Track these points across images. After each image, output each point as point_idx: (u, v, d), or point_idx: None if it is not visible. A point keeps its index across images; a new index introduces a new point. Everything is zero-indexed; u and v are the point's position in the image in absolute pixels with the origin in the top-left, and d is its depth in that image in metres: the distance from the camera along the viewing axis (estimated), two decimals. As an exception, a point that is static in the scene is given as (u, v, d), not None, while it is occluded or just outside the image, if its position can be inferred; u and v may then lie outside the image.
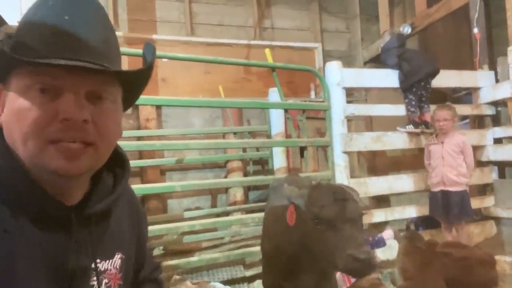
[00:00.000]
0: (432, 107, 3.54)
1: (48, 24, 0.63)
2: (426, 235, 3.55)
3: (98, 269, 0.72)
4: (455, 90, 4.81)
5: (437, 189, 3.24)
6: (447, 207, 3.17)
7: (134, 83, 0.76)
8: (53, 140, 0.63)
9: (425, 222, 3.79)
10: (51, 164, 0.63)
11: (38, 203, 0.64)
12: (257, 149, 4.96)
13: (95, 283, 0.72)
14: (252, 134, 5.05)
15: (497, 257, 2.88)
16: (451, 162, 3.16)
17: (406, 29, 4.00)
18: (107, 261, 0.75)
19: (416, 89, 3.47)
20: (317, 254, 1.38)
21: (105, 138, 0.68)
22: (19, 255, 0.61)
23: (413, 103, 3.49)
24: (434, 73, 3.51)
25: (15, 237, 0.61)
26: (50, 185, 0.67)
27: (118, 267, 0.77)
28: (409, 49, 3.76)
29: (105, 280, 0.74)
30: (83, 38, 0.65)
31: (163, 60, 4.80)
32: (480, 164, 3.92)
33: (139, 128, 4.86)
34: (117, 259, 0.77)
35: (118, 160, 0.80)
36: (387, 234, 2.77)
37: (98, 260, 0.73)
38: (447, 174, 3.16)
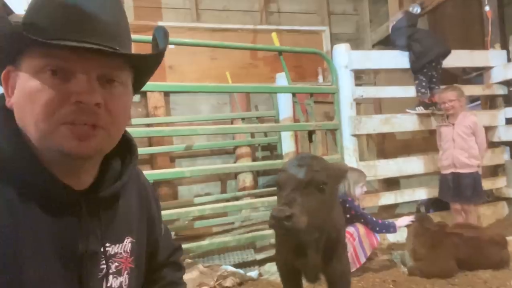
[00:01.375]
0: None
1: (59, 4, 0.63)
2: (436, 217, 3.54)
3: (108, 253, 0.73)
4: (465, 71, 4.72)
5: (447, 171, 3.21)
6: (458, 190, 3.14)
7: (145, 67, 0.76)
8: (65, 121, 0.63)
9: (435, 204, 3.78)
10: (63, 145, 0.63)
11: (46, 187, 0.65)
12: (266, 135, 4.97)
13: (105, 266, 0.72)
14: (260, 120, 5.04)
15: (508, 238, 2.87)
16: (462, 144, 3.11)
17: (416, 9, 3.91)
18: (117, 245, 0.76)
19: (427, 70, 3.42)
20: None
21: (115, 121, 0.68)
22: (27, 240, 0.61)
23: (424, 84, 3.44)
24: (445, 54, 3.45)
25: (22, 222, 0.61)
26: (60, 169, 0.67)
27: (128, 250, 0.78)
28: (420, 29, 3.69)
29: (115, 264, 0.75)
30: (94, 20, 0.64)
31: (171, 46, 4.79)
32: (491, 144, 3.87)
33: (147, 115, 4.88)
34: (127, 243, 0.78)
35: (126, 146, 0.80)
36: (403, 221, 2.73)
37: (107, 244, 0.73)
38: (458, 156, 3.12)
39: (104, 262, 0.72)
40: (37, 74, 0.63)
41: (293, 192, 1.28)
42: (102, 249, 0.72)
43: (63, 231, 0.66)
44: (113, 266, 0.74)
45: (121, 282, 0.75)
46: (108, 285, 0.73)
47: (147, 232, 0.88)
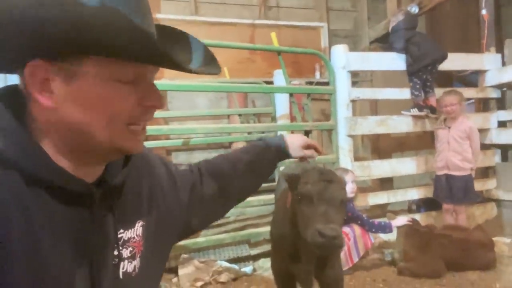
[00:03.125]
0: (438, 90, 3.54)
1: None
2: (428, 217, 3.63)
3: (122, 239, 0.75)
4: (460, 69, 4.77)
5: (441, 172, 3.30)
6: (450, 191, 3.23)
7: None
8: (131, 122, 0.66)
9: (427, 203, 3.86)
10: (128, 145, 0.67)
11: (59, 183, 0.65)
12: (262, 131, 5.01)
13: (121, 252, 0.74)
14: (257, 115, 5.07)
15: (496, 239, 2.96)
16: (456, 147, 3.19)
17: (414, 9, 3.92)
18: (130, 230, 0.77)
19: (422, 73, 3.46)
20: (300, 233, 1.39)
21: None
22: (43, 231, 0.62)
23: (418, 86, 3.49)
24: (442, 59, 3.49)
25: (35, 214, 0.62)
26: (83, 163, 0.68)
27: (140, 234, 0.79)
28: (419, 33, 3.71)
29: (129, 249, 0.77)
30: (152, 26, 0.67)
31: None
32: (483, 147, 3.93)
33: (144, 109, 4.88)
34: (139, 226, 0.79)
35: None
36: (400, 221, 2.80)
37: (121, 230, 0.75)
38: (451, 159, 3.21)
39: (120, 248, 0.74)
40: (111, 80, 0.63)
41: (331, 209, 1.29)
42: (116, 236, 0.74)
43: (76, 223, 0.67)
44: (127, 251, 0.76)
45: (135, 266, 0.77)
46: (123, 270, 0.75)
47: (177, 206, 0.91)
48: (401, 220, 2.81)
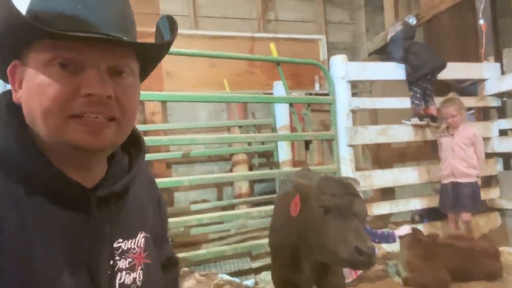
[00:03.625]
0: (437, 98, 3.54)
1: None
2: (431, 227, 3.58)
3: (121, 249, 0.72)
4: (460, 80, 4.78)
5: (447, 181, 3.28)
6: (457, 199, 3.20)
7: (153, 57, 0.75)
8: (75, 114, 0.62)
9: (430, 213, 3.82)
10: (75, 139, 0.63)
11: (54, 184, 0.64)
12: (262, 142, 4.99)
13: (116, 262, 0.72)
14: (257, 127, 5.06)
15: (501, 249, 2.91)
16: (461, 154, 3.18)
17: (411, 20, 3.96)
18: (130, 240, 0.74)
19: (422, 82, 3.48)
20: (317, 245, 1.36)
21: (127, 113, 0.68)
22: (35, 234, 0.61)
23: (418, 96, 3.50)
24: (441, 68, 3.52)
25: (30, 216, 0.61)
26: (70, 165, 0.66)
27: (142, 246, 0.76)
28: (417, 42, 3.75)
29: (129, 259, 0.73)
30: (101, 10, 0.64)
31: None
32: (485, 155, 3.92)
33: (144, 122, 4.88)
34: (141, 238, 0.77)
35: (132, 140, 0.79)
36: (403, 230, 2.76)
37: (120, 240, 0.72)
38: (456, 166, 3.19)
39: (117, 258, 0.72)
40: (45, 67, 0.62)
41: (361, 224, 1.30)
42: (113, 245, 0.71)
43: (72, 227, 0.65)
44: (126, 262, 0.73)
45: (134, 278, 0.74)
46: (121, 281, 0.71)
47: (159, 226, 0.87)
48: (404, 229, 2.77)
